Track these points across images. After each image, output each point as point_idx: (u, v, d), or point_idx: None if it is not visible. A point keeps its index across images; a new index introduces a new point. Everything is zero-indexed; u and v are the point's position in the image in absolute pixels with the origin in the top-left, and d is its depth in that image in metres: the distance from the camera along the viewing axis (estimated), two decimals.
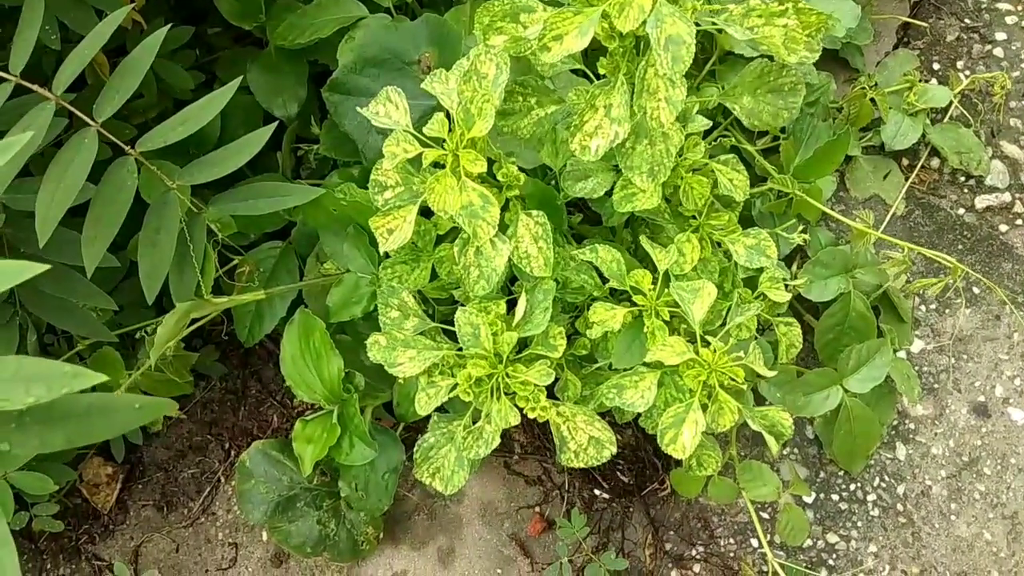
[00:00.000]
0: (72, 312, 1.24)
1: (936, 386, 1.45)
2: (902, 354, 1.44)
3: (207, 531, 1.56)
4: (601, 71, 0.94)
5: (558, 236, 1.13)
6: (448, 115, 0.95)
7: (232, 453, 1.61)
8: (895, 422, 1.42)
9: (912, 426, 1.43)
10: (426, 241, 1.10)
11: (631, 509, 1.36)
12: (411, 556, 1.40)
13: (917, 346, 1.47)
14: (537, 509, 1.38)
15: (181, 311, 1.06)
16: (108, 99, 1.01)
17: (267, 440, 1.34)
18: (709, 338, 0.97)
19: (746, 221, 1.38)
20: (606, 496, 1.38)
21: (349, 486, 1.22)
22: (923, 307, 1.49)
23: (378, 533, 1.37)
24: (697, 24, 0.88)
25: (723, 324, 1.10)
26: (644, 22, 0.83)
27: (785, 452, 1.41)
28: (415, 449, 1.00)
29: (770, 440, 0.94)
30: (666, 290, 0.99)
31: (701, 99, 1.05)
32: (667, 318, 0.98)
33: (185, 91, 1.51)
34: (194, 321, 1.18)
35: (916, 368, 1.45)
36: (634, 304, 1.00)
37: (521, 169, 1.16)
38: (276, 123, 1.09)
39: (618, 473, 1.38)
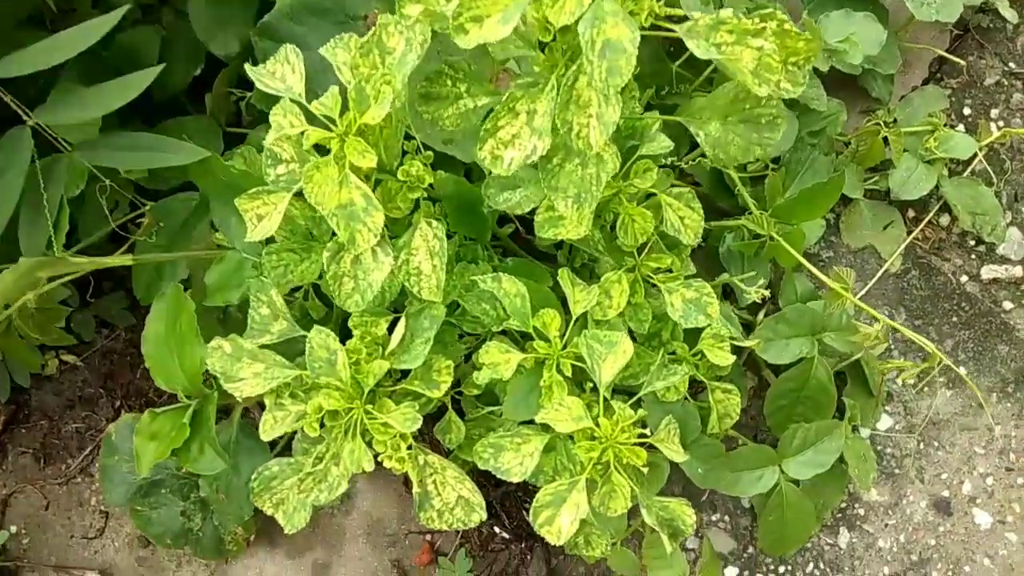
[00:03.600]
0: None
1: (897, 471, 1.29)
2: (865, 432, 1.28)
3: (81, 493, 1.43)
4: (535, 68, 0.77)
5: (479, 249, 0.97)
6: (345, 92, 0.79)
7: (122, 412, 1.47)
8: (843, 504, 1.27)
9: (861, 512, 1.27)
10: (322, 230, 0.94)
11: (530, 556, 1.22)
12: (284, 564, 1.26)
13: (885, 423, 1.30)
14: (428, 538, 1.24)
15: (23, 268, 0.91)
16: None
17: (137, 414, 1.20)
18: (617, 403, 0.81)
19: (711, 256, 1.22)
20: (506, 536, 1.23)
21: (210, 487, 1.08)
22: (899, 380, 1.32)
23: (249, 535, 1.23)
24: (648, 28, 0.71)
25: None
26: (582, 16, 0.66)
27: (714, 519, 1.25)
28: (254, 476, 0.85)
29: (665, 539, 0.78)
30: (577, 339, 0.83)
31: (662, 117, 0.87)
32: (569, 373, 0.82)
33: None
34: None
35: (879, 448, 1.29)
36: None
37: (453, 162, 1.00)
38: (161, 66, 0.92)
39: (524, 512, 1.23)
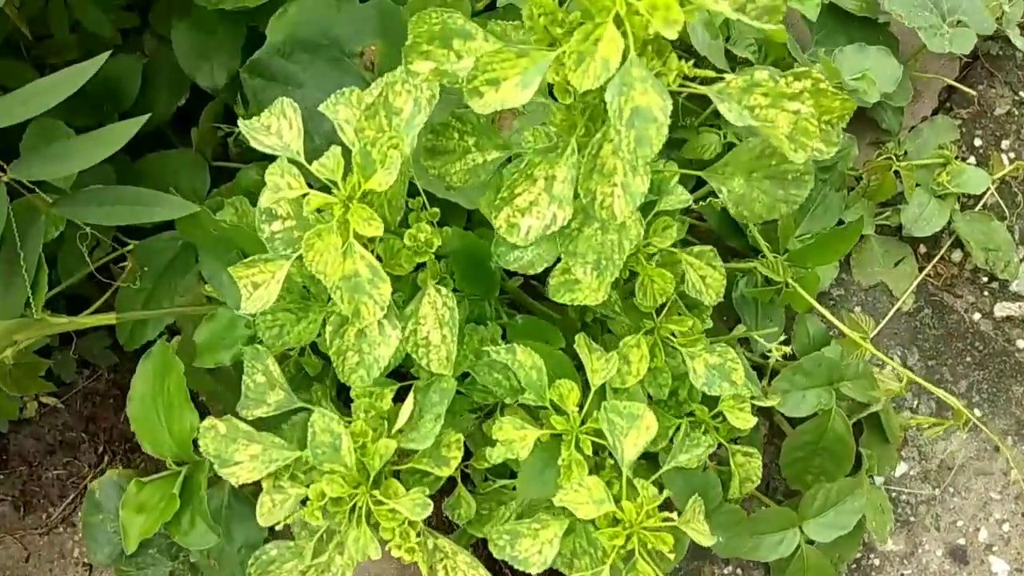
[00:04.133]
0: None
1: (913, 519, 1.25)
2: (879, 479, 1.24)
3: (63, 544, 1.36)
4: (552, 128, 0.72)
5: (486, 307, 0.91)
6: (349, 152, 0.73)
7: (105, 459, 1.41)
8: (858, 554, 1.22)
9: (876, 562, 1.23)
10: (320, 288, 0.89)
11: None
12: None
13: (900, 468, 1.26)
14: None
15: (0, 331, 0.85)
16: None
17: (124, 471, 1.14)
18: (640, 481, 0.76)
19: (724, 298, 1.17)
20: None
21: (201, 554, 1.02)
22: (913, 423, 1.28)
23: None
24: (676, 94, 0.66)
25: (668, 442, 0.89)
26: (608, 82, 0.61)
27: (727, 571, 1.21)
28: (251, 561, 0.80)
29: None
30: (596, 412, 0.78)
31: (680, 171, 0.82)
32: (589, 452, 0.77)
33: (107, 34, 1.28)
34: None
35: (894, 494, 1.25)
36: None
37: (456, 207, 0.95)
38: (145, 117, 0.86)
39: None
